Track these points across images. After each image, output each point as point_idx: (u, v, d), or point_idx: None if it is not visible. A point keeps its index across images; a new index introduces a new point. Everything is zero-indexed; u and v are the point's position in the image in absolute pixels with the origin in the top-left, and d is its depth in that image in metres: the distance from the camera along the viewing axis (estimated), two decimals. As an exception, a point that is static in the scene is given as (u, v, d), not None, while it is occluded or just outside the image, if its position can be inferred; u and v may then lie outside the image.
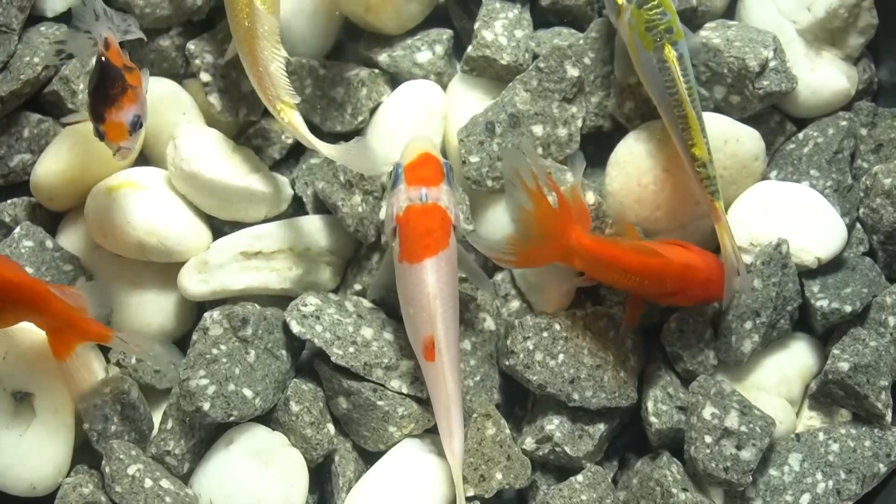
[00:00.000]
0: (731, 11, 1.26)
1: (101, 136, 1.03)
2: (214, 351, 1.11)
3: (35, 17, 1.24)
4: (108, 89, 1.03)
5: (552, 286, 1.16)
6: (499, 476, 1.10)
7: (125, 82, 1.03)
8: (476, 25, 1.21)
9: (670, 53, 1.08)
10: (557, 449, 1.12)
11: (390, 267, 1.10)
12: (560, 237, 1.07)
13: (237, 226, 1.19)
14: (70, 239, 1.20)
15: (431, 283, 1.05)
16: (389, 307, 1.18)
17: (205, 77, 1.18)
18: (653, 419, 1.12)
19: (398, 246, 1.07)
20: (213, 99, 1.18)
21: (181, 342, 1.21)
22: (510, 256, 1.10)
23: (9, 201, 1.22)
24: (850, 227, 1.18)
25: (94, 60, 1.06)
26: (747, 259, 1.13)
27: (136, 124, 1.03)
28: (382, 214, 1.17)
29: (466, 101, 1.22)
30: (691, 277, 1.08)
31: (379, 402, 1.12)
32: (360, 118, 1.22)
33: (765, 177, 1.20)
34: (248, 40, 1.07)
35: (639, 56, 1.10)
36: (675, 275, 1.07)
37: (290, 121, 1.08)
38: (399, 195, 1.08)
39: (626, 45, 1.12)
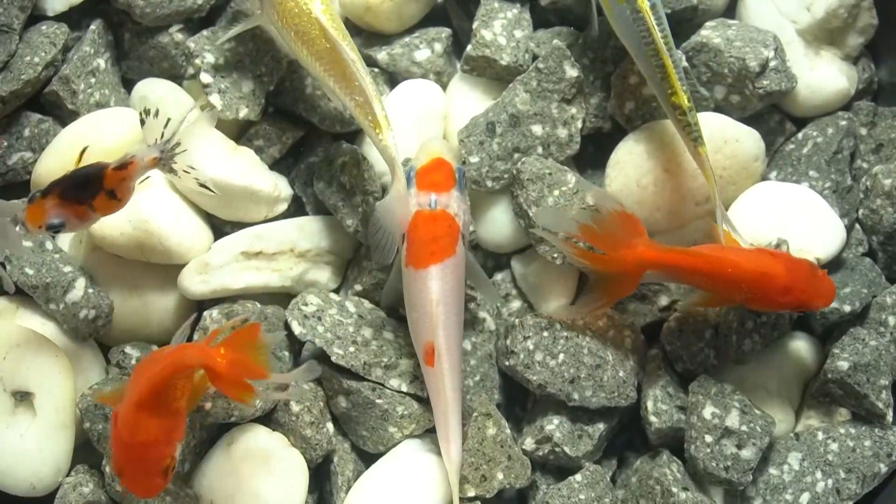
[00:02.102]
0: (731, 11, 1.27)
1: (30, 199, 0.99)
2: (214, 352, 1.11)
3: (36, 17, 1.23)
4: (77, 188, 0.99)
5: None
6: (500, 476, 1.10)
7: (90, 202, 0.99)
8: (475, 25, 1.21)
9: (643, 3, 1.06)
10: (557, 449, 1.12)
11: (400, 270, 1.10)
12: (631, 268, 1.06)
13: (238, 225, 1.19)
14: (70, 239, 1.19)
15: (435, 290, 1.05)
16: (389, 307, 1.18)
17: (205, 78, 1.18)
18: (652, 418, 1.12)
19: (405, 250, 1.07)
20: (214, 99, 1.18)
21: (182, 343, 1.21)
22: (607, 299, 1.10)
23: (8, 203, 1.21)
24: (850, 228, 1.19)
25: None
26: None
27: (53, 228, 0.99)
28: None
29: (467, 101, 1.22)
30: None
31: (378, 401, 1.12)
32: (360, 118, 1.22)
33: (764, 177, 1.21)
34: (339, 63, 1.06)
35: (612, 9, 1.09)
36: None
37: (386, 143, 1.06)
38: (409, 199, 1.08)
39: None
